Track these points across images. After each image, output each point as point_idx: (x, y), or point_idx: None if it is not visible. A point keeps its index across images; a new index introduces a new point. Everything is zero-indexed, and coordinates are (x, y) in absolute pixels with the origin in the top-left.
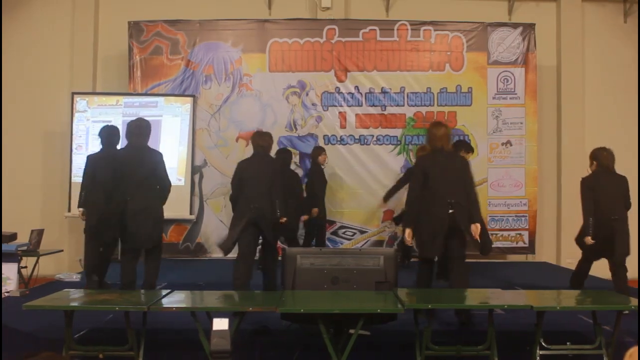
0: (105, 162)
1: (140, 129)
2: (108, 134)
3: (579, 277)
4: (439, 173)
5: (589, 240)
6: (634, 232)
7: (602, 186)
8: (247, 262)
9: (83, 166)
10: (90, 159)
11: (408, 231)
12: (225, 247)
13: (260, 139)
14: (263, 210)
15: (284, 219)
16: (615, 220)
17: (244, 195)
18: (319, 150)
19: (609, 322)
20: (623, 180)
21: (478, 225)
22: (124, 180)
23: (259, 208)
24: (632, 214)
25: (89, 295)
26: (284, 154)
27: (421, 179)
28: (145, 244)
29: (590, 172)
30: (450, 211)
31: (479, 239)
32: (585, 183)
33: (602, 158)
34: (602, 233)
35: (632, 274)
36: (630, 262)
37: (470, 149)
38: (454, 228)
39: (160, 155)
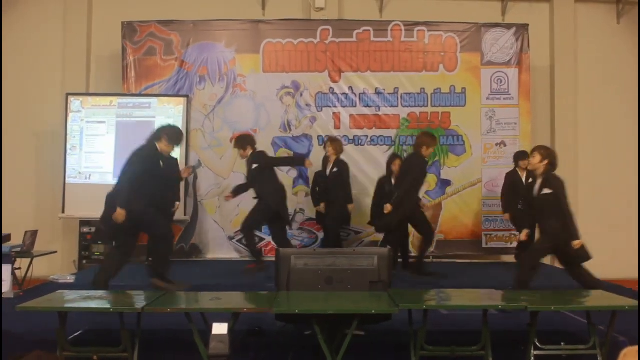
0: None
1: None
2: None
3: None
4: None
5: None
6: (634, 232)
7: None
8: None
9: (77, 167)
10: None
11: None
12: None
13: None
14: None
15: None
16: None
17: None
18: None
19: (603, 322)
20: None
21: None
22: None
23: None
24: (632, 214)
25: (83, 296)
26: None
27: None
28: None
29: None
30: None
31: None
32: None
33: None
34: None
35: (632, 274)
36: (631, 262)
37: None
38: None
39: (133, 152)
